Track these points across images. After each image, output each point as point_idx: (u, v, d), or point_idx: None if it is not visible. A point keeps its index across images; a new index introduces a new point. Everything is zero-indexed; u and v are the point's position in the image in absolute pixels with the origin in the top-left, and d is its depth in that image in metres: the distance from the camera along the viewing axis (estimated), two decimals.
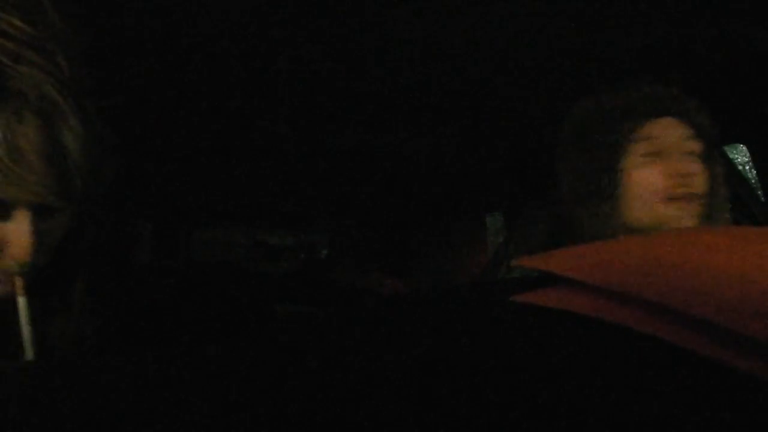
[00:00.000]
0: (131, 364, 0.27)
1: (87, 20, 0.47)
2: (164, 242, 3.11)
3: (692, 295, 0.23)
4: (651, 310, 0.25)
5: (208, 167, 2.01)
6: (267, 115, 1.39)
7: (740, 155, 3.24)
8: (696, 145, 0.75)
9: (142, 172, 1.99)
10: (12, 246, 0.47)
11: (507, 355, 0.25)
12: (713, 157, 0.77)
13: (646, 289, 0.25)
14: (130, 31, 0.93)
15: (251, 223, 3.86)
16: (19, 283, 0.48)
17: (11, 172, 0.42)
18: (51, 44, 0.44)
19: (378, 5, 0.84)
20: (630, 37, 0.91)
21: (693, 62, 0.99)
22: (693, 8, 0.82)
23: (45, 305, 0.54)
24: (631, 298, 0.26)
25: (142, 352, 0.28)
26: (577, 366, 0.23)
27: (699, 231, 0.59)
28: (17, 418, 0.21)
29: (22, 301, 0.48)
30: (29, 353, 0.49)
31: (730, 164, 1.19)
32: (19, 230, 0.46)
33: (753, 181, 1.23)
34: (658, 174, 0.74)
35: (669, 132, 0.75)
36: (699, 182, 0.73)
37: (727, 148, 1.20)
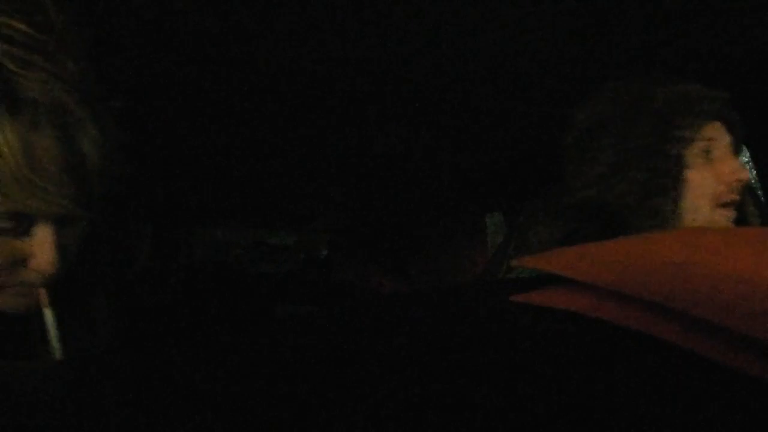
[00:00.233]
0: (131, 365, 0.27)
1: (87, 20, 0.46)
2: (164, 242, 3.10)
3: (692, 295, 0.23)
4: (651, 310, 0.25)
5: (208, 167, 2.01)
6: (267, 114, 1.39)
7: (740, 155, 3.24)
8: (737, 153, 0.74)
9: (141, 172, 1.99)
10: (36, 259, 0.45)
11: (507, 355, 0.25)
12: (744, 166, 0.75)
13: (646, 289, 0.25)
14: (127, 31, 0.93)
15: (251, 223, 3.86)
16: (44, 295, 0.46)
17: (31, 184, 0.40)
18: (58, 48, 0.42)
19: (378, 5, 0.84)
20: (630, 37, 0.91)
21: (693, 62, 0.99)
22: (693, 8, 0.82)
23: (69, 314, 0.52)
24: (631, 298, 0.26)
25: (142, 352, 0.28)
26: (577, 366, 0.23)
27: (699, 231, 0.59)
28: (54, 418, 0.21)
29: (48, 314, 0.46)
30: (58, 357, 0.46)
31: None
32: (43, 243, 0.44)
33: (753, 181, 1.23)
34: (712, 178, 0.70)
35: (723, 136, 0.73)
36: (742, 191, 0.71)
37: None
